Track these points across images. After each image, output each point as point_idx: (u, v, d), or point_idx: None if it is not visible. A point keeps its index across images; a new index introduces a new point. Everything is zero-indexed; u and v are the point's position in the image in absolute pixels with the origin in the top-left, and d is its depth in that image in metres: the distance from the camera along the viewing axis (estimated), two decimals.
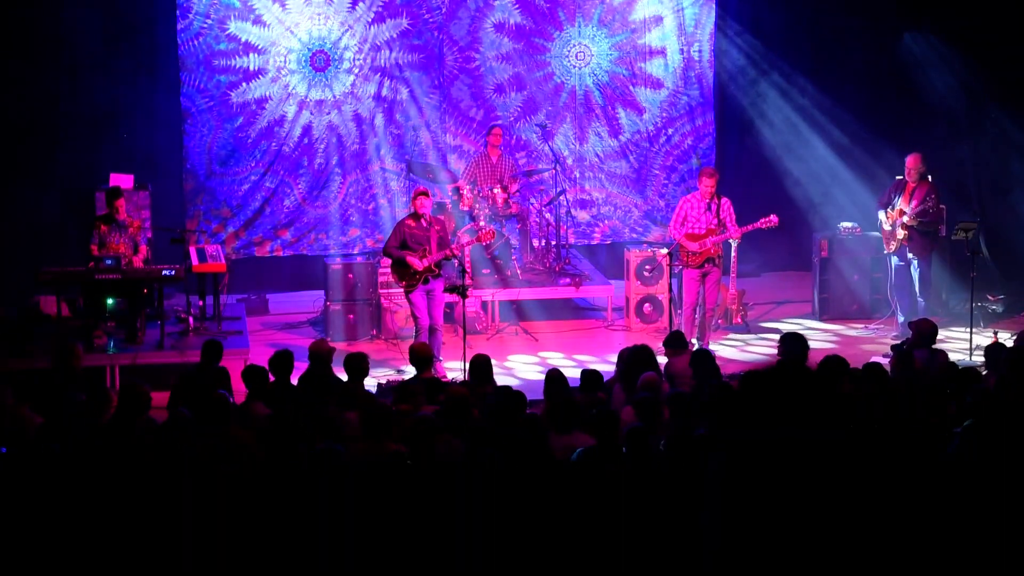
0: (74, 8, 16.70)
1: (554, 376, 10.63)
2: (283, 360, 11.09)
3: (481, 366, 11.04)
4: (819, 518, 8.32)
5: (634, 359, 10.74)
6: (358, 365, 11.02)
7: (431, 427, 8.87)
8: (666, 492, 8.51)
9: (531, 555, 8.33)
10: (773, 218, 14.64)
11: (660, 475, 8.60)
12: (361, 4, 17.74)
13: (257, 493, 8.57)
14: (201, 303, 15.00)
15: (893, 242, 15.38)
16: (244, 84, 17.62)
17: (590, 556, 8.38)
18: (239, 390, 11.19)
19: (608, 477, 8.50)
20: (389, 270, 15.01)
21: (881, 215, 15.44)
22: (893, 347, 12.80)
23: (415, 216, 14.17)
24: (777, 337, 14.81)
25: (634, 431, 8.78)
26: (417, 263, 13.99)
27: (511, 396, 9.58)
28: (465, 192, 16.34)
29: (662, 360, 11.62)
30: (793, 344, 11.13)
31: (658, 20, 18.43)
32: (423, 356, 11.39)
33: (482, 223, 15.88)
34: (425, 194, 14.19)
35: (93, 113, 16.92)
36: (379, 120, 18.04)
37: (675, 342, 11.97)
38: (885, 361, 12.08)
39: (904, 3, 18.14)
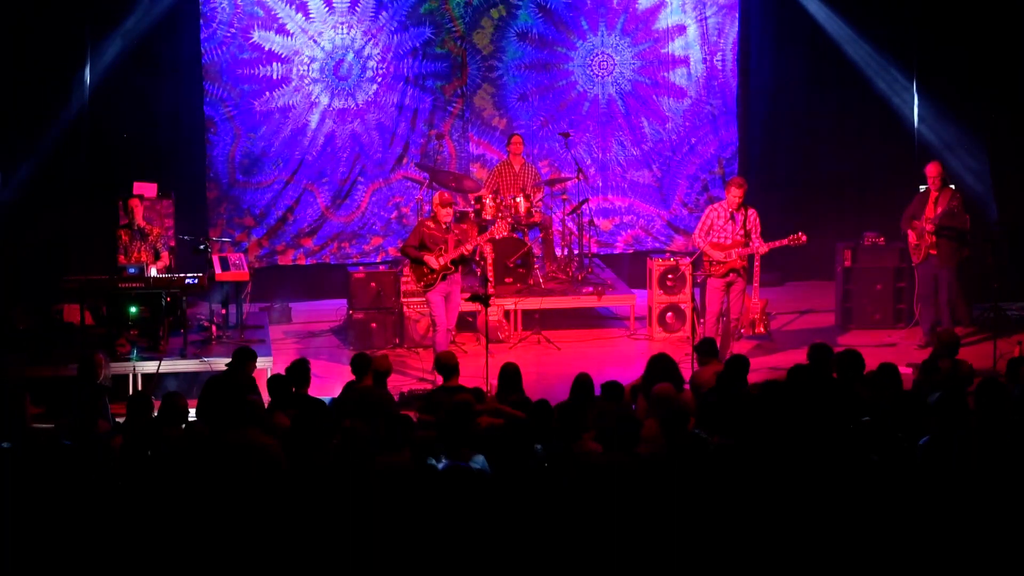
0: (97, 17, 16.72)
1: (582, 381, 10.57)
2: (300, 370, 11.09)
3: (510, 375, 10.99)
4: (830, 525, 8.35)
5: (656, 368, 10.71)
6: (366, 365, 11.08)
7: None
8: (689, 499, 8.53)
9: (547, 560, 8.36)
10: (801, 236, 14.48)
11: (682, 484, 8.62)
12: (384, 13, 17.77)
13: (279, 498, 8.61)
14: (224, 311, 15.02)
15: (921, 253, 15.32)
16: (267, 93, 17.66)
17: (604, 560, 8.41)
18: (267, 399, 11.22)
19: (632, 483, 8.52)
20: (410, 276, 15.02)
21: (909, 232, 15.38)
22: (915, 364, 12.74)
23: (435, 219, 14.31)
24: (799, 347, 14.84)
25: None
26: (434, 262, 14.12)
27: (539, 408, 9.57)
28: (487, 201, 16.34)
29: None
30: (820, 358, 10.97)
31: (681, 29, 18.41)
32: (449, 364, 11.33)
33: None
34: (449, 204, 14.32)
35: (117, 121, 16.96)
36: (402, 129, 18.06)
37: (706, 350, 11.83)
38: (908, 371, 12.02)
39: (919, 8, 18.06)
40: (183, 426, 9.97)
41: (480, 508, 8.44)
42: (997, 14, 17.45)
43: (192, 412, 10.73)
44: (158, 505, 8.55)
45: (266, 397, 11.14)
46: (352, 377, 11.40)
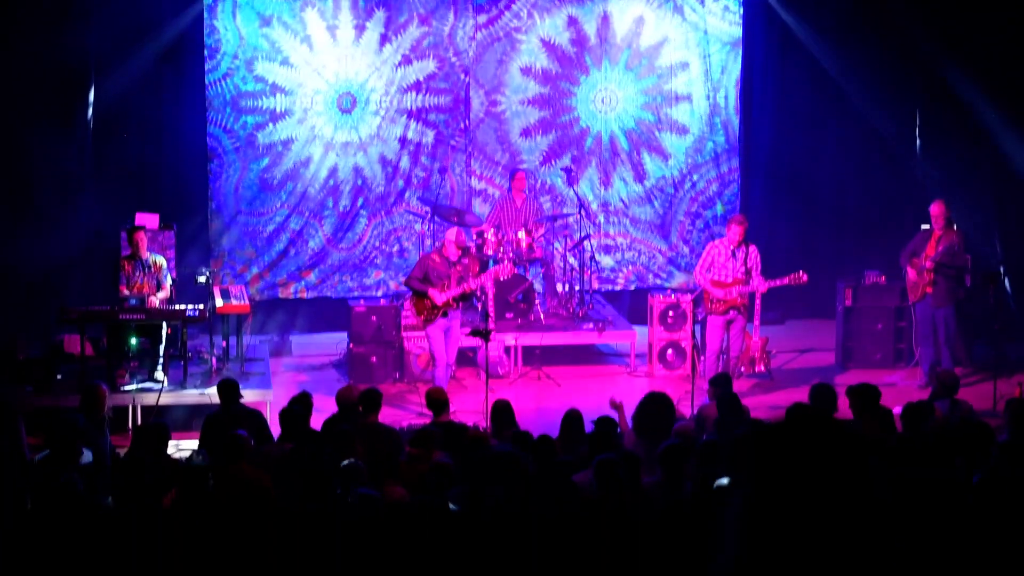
0: (101, 49, 16.74)
1: (572, 417, 10.62)
2: (302, 403, 11.10)
3: (502, 412, 11.01)
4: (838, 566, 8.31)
5: (650, 406, 10.71)
6: (373, 399, 11.09)
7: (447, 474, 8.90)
8: (685, 540, 8.50)
9: None
10: (802, 275, 14.55)
11: (681, 523, 8.59)
12: (388, 46, 17.81)
13: (269, 531, 8.61)
14: (224, 344, 15.02)
15: (918, 291, 15.33)
16: (271, 125, 17.69)
17: None
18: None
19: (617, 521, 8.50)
20: (410, 310, 15.01)
21: (908, 269, 15.38)
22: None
23: (441, 253, 14.37)
24: (799, 386, 14.82)
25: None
26: (438, 296, 14.21)
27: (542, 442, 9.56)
28: (489, 236, 16.36)
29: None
30: (822, 398, 10.89)
31: (684, 66, 18.44)
32: (439, 400, 11.39)
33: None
34: (462, 248, 14.54)
35: (120, 152, 16.97)
36: (404, 162, 18.08)
37: (720, 383, 11.71)
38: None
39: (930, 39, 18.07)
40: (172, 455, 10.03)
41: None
42: (999, 53, 17.44)
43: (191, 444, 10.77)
44: (150, 537, 8.55)
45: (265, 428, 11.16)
46: (329, 415, 11.49)
